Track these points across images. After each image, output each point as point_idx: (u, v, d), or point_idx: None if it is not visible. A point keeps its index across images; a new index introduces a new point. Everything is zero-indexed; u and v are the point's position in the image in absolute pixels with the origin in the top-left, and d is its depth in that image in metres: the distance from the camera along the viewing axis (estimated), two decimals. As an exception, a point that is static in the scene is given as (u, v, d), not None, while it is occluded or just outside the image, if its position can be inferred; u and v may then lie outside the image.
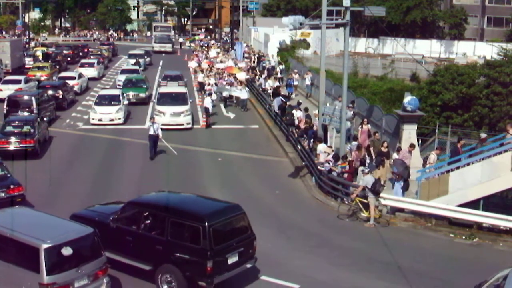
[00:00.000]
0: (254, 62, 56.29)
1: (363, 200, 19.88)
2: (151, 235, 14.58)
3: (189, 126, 32.68)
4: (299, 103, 33.28)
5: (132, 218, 15.20)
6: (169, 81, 43.71)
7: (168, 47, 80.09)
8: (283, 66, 51.18)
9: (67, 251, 12.66)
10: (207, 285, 13.78)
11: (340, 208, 20.57)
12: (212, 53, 61.77)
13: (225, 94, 39.28)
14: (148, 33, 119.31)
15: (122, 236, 14.69)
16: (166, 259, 14.15)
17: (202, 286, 13.85)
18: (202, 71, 48.10)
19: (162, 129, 27.53)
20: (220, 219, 14.29)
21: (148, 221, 14.89)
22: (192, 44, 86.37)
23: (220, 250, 13.93)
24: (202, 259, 13.65)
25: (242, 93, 38.77)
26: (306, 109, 31.16)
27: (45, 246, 12.53)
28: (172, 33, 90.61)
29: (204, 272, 13.68)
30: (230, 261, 14.16)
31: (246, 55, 60.19)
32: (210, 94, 36.50)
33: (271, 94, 39.53)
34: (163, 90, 35.93)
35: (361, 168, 21.52)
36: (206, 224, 13.75)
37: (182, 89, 36.28)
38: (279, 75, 47.96)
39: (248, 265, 14.77)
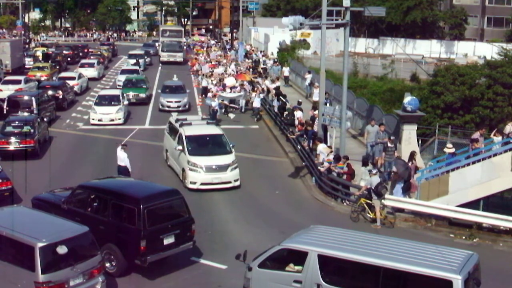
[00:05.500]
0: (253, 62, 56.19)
1: (368, 201, 19.91)
2: (96, 216, 15.69)
3: (238, 184, 23.26)
4: (299, 103, 33.23)
5: (81, 201, 16.42)
6: (169, 92, 38.58)
7: (178, 56, 64.71)
8: (274, 63, 51.09)
9: (62, 249, 12.76)
10: (142, 263, 14.85)
11: (348, 209, 20.66)
12: (213, 55, 61.11)
13: (226, 101, 37.46)
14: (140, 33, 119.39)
15: (72, 217, 15.36)
16: (108, 239, 15.17)
17: (137, 264, 14.96)
18: (204, 76, 46.42)
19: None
20: (155, 202, 15.39)
21: (94, 204, 16.05)
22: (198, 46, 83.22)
23: (154, 231, 15.00)
24: (136, 238, 14.75)
25: (255, 101, 36.26)
26: (314, 108, 31.20)
27: (40, 244, 12.61)
28: (183, 39, 74.70)
29: (138, 251, 14.77)
30: (165, 242, 15.26)
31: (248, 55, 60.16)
32: (214, 96, 36.03)
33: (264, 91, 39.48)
34: (190, 132, 24.19)
35: (368, 168, 21.43)
36: (141, 206, 14.87)
37: (216, 130, 25.38)
38: (265, 66, 47.39)
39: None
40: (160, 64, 63.85)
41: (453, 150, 22.40)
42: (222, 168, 22.83)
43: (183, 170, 23.11)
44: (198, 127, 25.20)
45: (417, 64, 44.74)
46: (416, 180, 21.24)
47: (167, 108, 37.33)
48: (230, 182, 22.88)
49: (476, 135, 23.35)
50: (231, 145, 24.11)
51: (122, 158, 22.42)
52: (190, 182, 22.58)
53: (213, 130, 25.16)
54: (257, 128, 34.22)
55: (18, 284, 12.71)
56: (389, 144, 23.35)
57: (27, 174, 22.24)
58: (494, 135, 22.98)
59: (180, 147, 23.59)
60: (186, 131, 24.12)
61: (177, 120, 25.63)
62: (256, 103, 36.04)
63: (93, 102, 35.86)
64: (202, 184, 22.55)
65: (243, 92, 38.39)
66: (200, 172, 22.59)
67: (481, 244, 18.37)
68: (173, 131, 25.48)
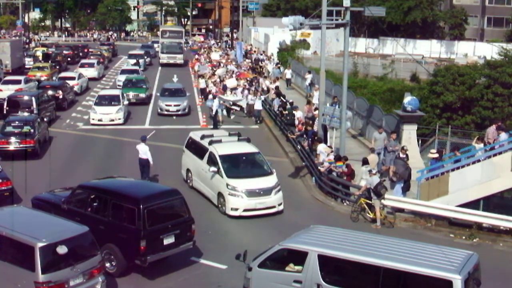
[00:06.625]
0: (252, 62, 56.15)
1: (367, 201, 19.92)
2: (96, 216, 15.68)
3: (281, 208, 20.70)
4: (291, 104, 33.12)
5: (81, 201, 16.45)
6: (168, 96, 37.62)
7: (178, 58, 63.47)
8: (275, 65, 51.16)
9: (62, 249, 12.76)
10: (142, 263, 14.87)
11: (348, 209, 20.68)
12: (214, 56, 60.91)
13: (227, 103, 36.87)
14: (145, 33, 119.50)
15: (72, 217, 15.38)
16: (108, 239, 15.16)
17: (137, 264, 14.98)
18: (202, 76, 46.13)
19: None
20: (155, 202, 15.41)
21: (94, 204, 16.05)
22: (196, 47, 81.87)
23: (154, 231, 15.01)
24: (136, 238, 14.75)
25: (256, 103, 35.24)
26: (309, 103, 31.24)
27: (40, 244, 12.61)
28: (183, 40, 71.78)
29: (138, 251, 14.77)
30: (165, 242, 15.27)
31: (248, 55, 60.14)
32: (214, 98, 35.94)
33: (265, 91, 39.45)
34: (223, 151, 21.34)
35: (368, 168, 21.41)
36: (141, 206, 14.88)
37: (251, 147, 22.37)
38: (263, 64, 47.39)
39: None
40: (160, 66, 63.49)
41: (436, 155, 22.47)
42: (266, 192, 20.25)
43: (220, 194, 20.52)
44: (230, 144, 22.19)
45: (419, 63, 44.78)
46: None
47: (166, 112, 36.48)
48: (274, 207, 20.40)
49: (492, 128, 23.30)
50: (269, 163, 21.69)
51: (145, 151, 22.75)
52: (231, 209, 20.03)
53: (248, 147, 22.26)
54: (257, 128, 34.21)
55: (18, 284, 12.71)
56: (401, 155, 22.15)
57: (27, 174, 22.24)
58: (476, 142, 22.95)
59: (214, 169, 20.74)
60: (218, 150, 21.22)
61: (202, 137, 22.57)
62: (258, 106, 35.36)
63: (93, 102, 35.86)
64: (244, 210, 20.02)
65: (245, 92, 38.16)
66: (242, 197, 19.99)
67: (481, 244, 18.37)
68: (197, 149, 22.59)
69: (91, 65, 53.42)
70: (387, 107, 35.21)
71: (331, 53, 62.03)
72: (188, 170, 23.14)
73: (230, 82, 41.42)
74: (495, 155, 21.48)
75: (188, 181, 23.04)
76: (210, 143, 21.77)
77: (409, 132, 24.78)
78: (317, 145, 24.12)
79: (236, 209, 20.01)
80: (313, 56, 58.75)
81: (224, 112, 35.77)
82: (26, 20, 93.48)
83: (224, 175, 20.42)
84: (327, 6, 24.66)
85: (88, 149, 29.09)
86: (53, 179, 22.42)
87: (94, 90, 45.58)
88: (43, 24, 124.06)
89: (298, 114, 30.84)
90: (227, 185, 20.17)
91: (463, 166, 21.41)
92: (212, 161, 21.20)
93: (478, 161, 21.55)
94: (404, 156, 22.17)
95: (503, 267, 16.75)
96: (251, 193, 20.05)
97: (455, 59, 62.59)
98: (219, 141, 21.94)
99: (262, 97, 37.23)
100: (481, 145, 22.55)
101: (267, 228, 19.17)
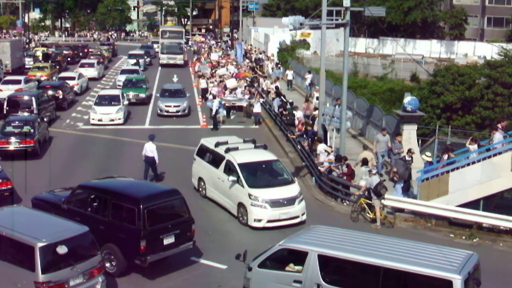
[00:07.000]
0: (253, 62, 56.11)
1: (367, 201, 19.92)
2: (96, 216, 15.70)
3: (304, 217, 19.66)
4: (291, 104, 33.07)
5: (81, 201, 16.50)
6: (168, 96, 37.28)
7: (178, 58, 62.40)
8: (276, 66, 51.16)
9: (62, 249, 12.76)
10: (142, 263, 14.90)
11: (348, 209, 20.67)
12: (214, 56, 60.83)
13: (228, 103, 36.51)
14: (146, 33, 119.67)
15: (72, 217, 15.37)
16: (108, 239, 15.19)
17: (137, 264, 15.01)
18: (203, 76, 45.64)
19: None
20: (155, 202, 15.43)
21: (94, 204, 16.08)
22: (195, 47, 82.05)
23: (154, 231, 15.04)
24: (136, 238, 14.78)
25: (256, 107, 34.76)
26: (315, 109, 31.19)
27: (40, 244, 12.61)
28: (184, 40, 71.23)
29: (138, 251, 14.80)
30: (165, 242, 15.30)
31: (247, 54, 60.10)
32: (214, 97, 35.85)
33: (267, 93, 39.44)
34: (242, 159, 20.28)
35: (367, 168, 21.41)
36: (141, 206, 14.91)
37: (269, 154, 21.44)
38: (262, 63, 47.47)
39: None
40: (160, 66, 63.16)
41: (431, 159, 22.45)
42: (290, 202, 19.29)
43: (240, 205, 19.53)
44: (247, 152, 21.04)
45: (418, 63, 44.78)
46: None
47: (165, 113, 36.22)
48: (298, 217, 19.41)
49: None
50: (290, 171, 20.84)
51: (152, 149, 23.22)
52: (255, 220, 19.06)
53: (266, 155, 21.19)
54: (257, 128, 34.18)
55: (18, 284, 12.72)
56: (407, 158, 22.09)
57: (27, 174, 22.24)
58: (469, 143, 22.93)
59: (234, 178, 19.75)
60: (237, 158, 20.16)
61: (217, 144, 21.44)
62: (257, 109, 34.93)
63: (93, 102, 35.87)
64: (268, 221, 19.07)
65: (247, 95, 37.98)
66: (266, 207, 19.01)
67: (481, 244, 18.38)
68: (211, 156, 21.63)
69: (91, 65, 53.41)
70: (387, 107, 35.21)
71: (331, 53, 62.02)
72: (200, 179, 22.06)
73: (230, 82, 41.35)
74: (495, 155, 21.47)
75: (201, 189, 22.07)
76: (227, 150, 20.71)
77: (409, 132, 24.79)
78: (317, 145, 24.13)
79: (260, 220, 19.05)
80: (313, 56, 58.71)
81: (224, 112, 35.71)
82: (26, 20, 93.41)
83: (245, 185, 19.40)
84: (327, 6, 24.68)
85: (88, 149, 29.09)
86: (53, 179, 22.41)
87: (94, 90, 45.58)
88: (43, 24, 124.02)
89: (298, 114, 30.86)
90: (249, 195, 19.14)
91: (462, 166, 21.40)
92: (230, 169, 20.22)
93: (478, 161, 21.53)
94: (410, 159, 22.13)
95: (503, 267, 16.75)
96: (275, 203, 19.10)
97: (455, 59, 62.59)
98: (236, 149, 20.82)
99: (261, 100, 36.89)
100: (475, 146, 22.54)
101: (267, 228, 19.14)
